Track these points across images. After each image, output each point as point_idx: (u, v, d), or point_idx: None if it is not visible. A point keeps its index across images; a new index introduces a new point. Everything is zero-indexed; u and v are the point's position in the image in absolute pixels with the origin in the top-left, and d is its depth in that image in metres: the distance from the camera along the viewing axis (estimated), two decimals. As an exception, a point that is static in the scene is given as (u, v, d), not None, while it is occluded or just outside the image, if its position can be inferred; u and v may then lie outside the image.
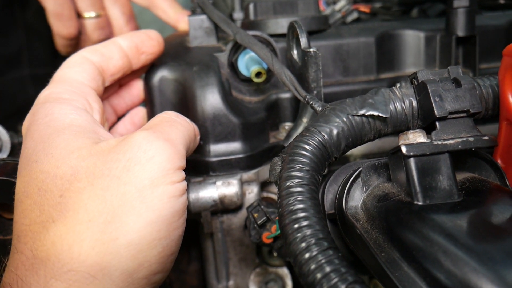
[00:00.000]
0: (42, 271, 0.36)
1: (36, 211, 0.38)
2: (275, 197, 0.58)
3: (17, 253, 0.38)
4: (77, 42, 0.90)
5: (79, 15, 0.86)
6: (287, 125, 0.59)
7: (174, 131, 0.43)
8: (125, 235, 0.37)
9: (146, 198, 0.38)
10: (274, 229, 0.45)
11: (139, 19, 0.93)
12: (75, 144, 0.40)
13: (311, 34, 0.62)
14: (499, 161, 0.41)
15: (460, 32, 0.59)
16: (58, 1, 0.81)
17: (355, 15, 0.73)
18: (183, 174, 0.42)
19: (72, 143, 0.40)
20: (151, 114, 0.58)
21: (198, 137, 0.51)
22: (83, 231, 0.36)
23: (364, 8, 0.77)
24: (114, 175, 0.38)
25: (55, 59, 1.10)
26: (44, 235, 0.37)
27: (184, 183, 0.42)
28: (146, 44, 0.55)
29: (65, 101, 0.45)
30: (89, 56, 0.51)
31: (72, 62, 0.51)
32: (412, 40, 0.63)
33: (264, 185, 0.58)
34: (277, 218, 0.45)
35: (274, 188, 0.58)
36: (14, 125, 0.67)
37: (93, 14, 0.86)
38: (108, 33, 0.89)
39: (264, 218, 0.46)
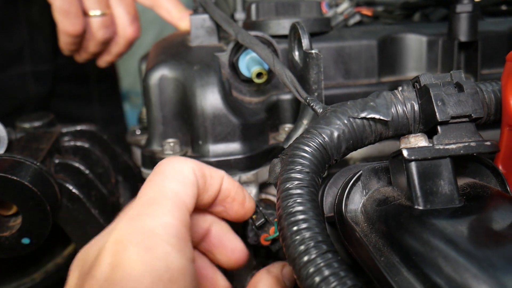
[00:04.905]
0: None
1: None
2: (273, 199, 0.57)
3: None
4: (80, 41, 0.89)
5: (84, 13, 0.85)
6: (287, 126, 0.58)
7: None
8: None
9: None
10: (272, 231, 0.45)
11: (140, 18, 0.93)
12: None
13: (313, 36, 0.62)
14: (500, 167, 0.41)
15: (463, 37, 0.59)
16: None
17: (357, 18, 0.73)
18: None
19: None
20: (149, 113, 0.57)
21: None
22: None
23: (366, 11, 0.77)
24: None
25: (57, 56, 1.10)
26: None
27: None
28: (245, 202, 0.47)
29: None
30: (193, 178, 0.41)
31: (181, 176, 0.40)
32: (414, 44, 0.63)
33: (262, 187, 0.58)
34: (276, 220, 0.45)
35: (273, 190, 0.58)
36: (13, 122, 0.66)
37: (98, 12, 0.86)
38: (112, 32, 0.88)
39: (263, 220, 0.45)
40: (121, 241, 0.34)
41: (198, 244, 0.47)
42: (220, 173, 0.44)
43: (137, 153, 0.74)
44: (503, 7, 0.75)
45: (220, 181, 0.44)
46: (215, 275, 0.48)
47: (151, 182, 0.39)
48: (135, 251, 0.33)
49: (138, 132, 0.74)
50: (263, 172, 0.55)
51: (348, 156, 0.59)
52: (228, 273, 0.50)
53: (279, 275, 0.45)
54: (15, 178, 0.47)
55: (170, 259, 0.34)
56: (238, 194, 0.46)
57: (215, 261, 0.48)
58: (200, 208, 0.44)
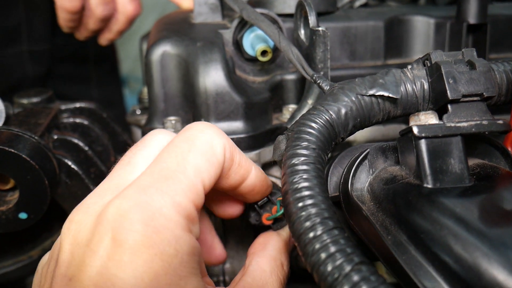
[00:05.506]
0: None
1: None
2: (275, 180, 0.57)
3: None
4: (79, 17, 0.88)
5: None
6: (291, 107, 0.57)
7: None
8: None
9: None
10: (274, 210, 0.44)
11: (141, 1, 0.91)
12: None
13: (318, 15, 0.60)
14: (509, 148, 0.40)
15: (472, 19, 0.58)
16: None
17: (363, 0, 0.71)
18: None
19: None
20: (150, 90, 0.56)
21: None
22: None
23: (372, -7, 0.75)
24: None
25: (55, 37, 1.08)
26: None
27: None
28: (265, 193, 0.44)
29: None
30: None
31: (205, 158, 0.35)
32: (422, 26, 0.62)
33: (265, 167, 0.57)
34: (278, 199, 0.44)
35: (275, 171, 0.57)
36: (10, 100, 0.65)
37: None
38: (111, 9, 0.87)
39: (265, 198, 0.44)
40: (125, 215, 0.31)
41: None
42: (248, 166, 0.39)
43: (137, 133, 0.73)
44: (512, -7, 0.74)
45: (245, 175, 0.39)
46: (213, 242, 0.46)
47: (176, 148, 0.35)
48: (141, 231, 0.30)
49: (138, 112, 0.73)
50: (266, 152, 0.54)
51: (351, 138, 0.59)
52: (227, 252, 0.49)
53: (288, 239, 0.44)
54: (12, 150, 0.46)
55: (180, 242, 0.31)
56: (262, 187, 0.42)
57: (209, 208, 0.45)
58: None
